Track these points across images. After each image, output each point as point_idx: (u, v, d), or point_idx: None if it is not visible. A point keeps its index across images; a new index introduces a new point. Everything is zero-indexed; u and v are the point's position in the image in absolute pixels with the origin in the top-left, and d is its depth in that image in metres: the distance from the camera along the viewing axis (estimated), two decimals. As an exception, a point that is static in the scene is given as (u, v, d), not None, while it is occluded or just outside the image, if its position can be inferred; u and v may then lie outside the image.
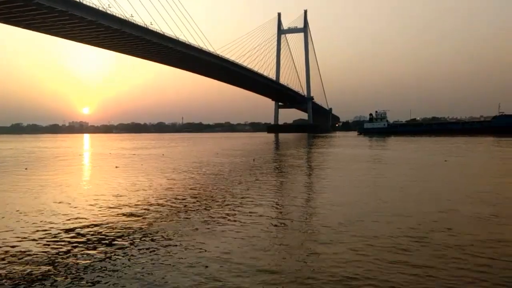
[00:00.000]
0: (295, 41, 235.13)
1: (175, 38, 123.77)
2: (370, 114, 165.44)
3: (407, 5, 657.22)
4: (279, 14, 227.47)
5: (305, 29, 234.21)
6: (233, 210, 13.80)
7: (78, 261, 8.64)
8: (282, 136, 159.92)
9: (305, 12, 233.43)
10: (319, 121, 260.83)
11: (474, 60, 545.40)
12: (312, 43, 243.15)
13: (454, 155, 38.97)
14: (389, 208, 13.71)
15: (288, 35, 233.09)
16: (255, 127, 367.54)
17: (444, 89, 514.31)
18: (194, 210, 13.88)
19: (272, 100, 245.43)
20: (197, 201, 15.82)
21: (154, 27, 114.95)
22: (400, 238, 9.96)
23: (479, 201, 14.75)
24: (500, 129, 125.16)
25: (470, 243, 9.46)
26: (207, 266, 8.19)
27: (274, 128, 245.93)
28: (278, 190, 18.59)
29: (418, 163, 31.15)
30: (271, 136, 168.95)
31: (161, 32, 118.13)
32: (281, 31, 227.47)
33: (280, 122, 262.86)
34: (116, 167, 31.33)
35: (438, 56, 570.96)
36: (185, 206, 14.72)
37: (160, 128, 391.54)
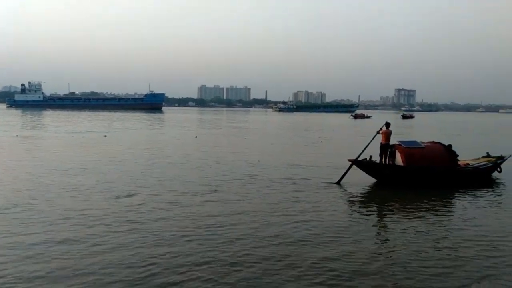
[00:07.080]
0: None
1: None
2: (23, 85, 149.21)
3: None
4: None
5: None
6: None
7: None
8: None
9: None
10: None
11: (132, 42, 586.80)
12: None
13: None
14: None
15: None
16: None
17: (103, 66, 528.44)
18: None
19: None
20: None
21: None
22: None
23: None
24: (149, 106, 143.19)
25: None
26: None
27: None
28: None
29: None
30: None
31: None
32: None
33: None
34: None
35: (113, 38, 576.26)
36: None
37: None
